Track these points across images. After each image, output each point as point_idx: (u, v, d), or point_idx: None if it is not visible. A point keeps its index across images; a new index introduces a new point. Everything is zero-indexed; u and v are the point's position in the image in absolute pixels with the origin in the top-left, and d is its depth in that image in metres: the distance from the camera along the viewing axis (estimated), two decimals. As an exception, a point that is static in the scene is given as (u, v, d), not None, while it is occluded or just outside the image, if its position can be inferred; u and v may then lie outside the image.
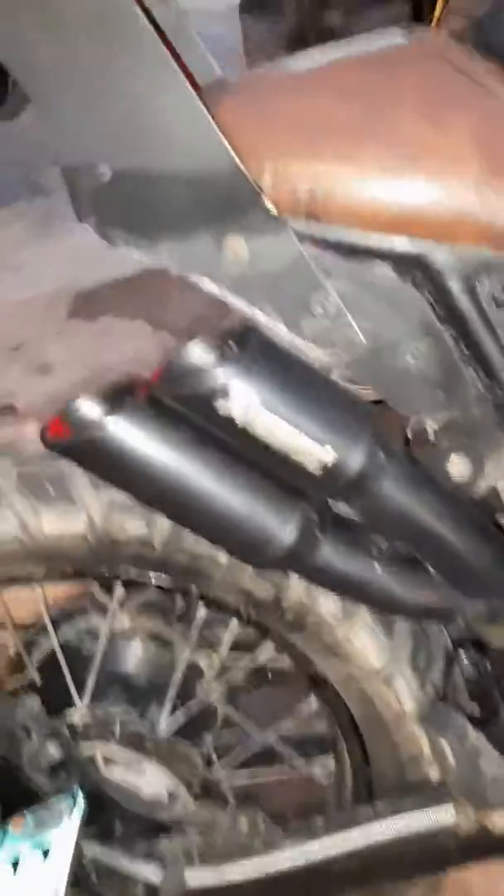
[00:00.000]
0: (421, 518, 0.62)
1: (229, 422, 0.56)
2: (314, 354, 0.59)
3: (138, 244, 0.56)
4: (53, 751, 0.83)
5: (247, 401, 0.55)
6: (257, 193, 0.54)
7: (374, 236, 0.55)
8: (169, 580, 0.80)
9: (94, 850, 0.76)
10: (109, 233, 0.56)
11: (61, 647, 0.94)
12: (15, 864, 0.71)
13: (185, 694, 0.95)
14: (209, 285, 0.57)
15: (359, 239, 0.55)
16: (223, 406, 0.56)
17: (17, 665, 1.01)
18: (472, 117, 0.54)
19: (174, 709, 0.92)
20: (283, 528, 0.60)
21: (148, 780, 0.89)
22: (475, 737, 0.67)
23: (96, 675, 0.92)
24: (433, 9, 2.03)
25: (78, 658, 0.97)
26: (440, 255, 0.55)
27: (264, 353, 0.56)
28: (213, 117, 0.52)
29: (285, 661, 0.90)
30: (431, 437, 0.64)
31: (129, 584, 0.88)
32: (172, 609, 0.99)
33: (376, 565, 0.63)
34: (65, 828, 0.71)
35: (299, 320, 0.57)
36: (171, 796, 0.89)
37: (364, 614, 0.75)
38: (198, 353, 0.58)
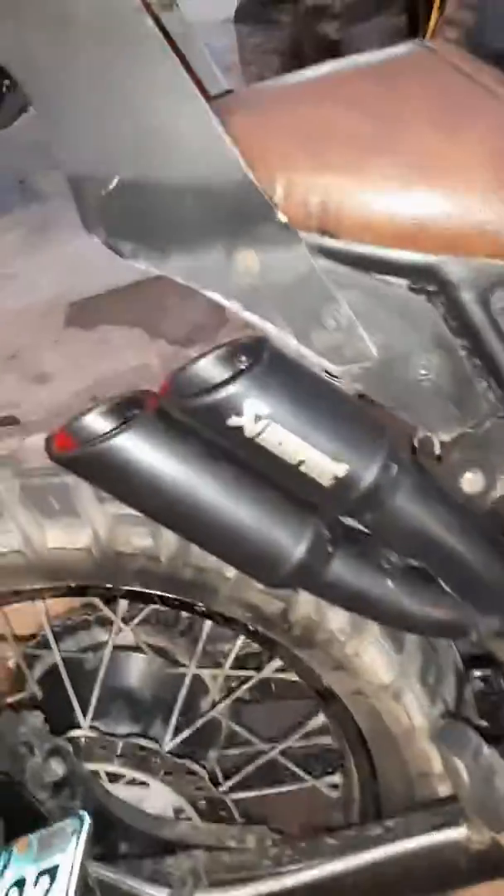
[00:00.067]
0: (433, 532, 0.61)
1: (240, 435, 0.56)
2: (326, 367, 0.58)
3: (147, 256, 0.55)
4: (56, 768, 0.82)
5: (258, 414, 0.55)
6: (269, 205, 0.53)
7: (387, 249, 0.54)
8: (173, 594, 0.79)
9: (99, 871, 0.74)
10: (117, 244, 0.55)
11: (62, 661, 0.93)
12: (21, 886, 0.69)
13: (189, 709, 0.94)
14: (219, 298, 0.56)
15: (371, 251, 0.55)
16: (234, 419, 0.55)
17: (17, 679, 1.00)
18: (485, 127, 0.54)
19: (179, 725, 0.91)
20: (294, 544, 0.59)
21: (153, 798, 0.88)
22: (489, 754, 0.66)
23: (99, 691, 0.91)
24: (428, 19, 2.03)
25: (79, 672, 0.96)
26: (453, 268, 0.55)
27: (276, 366, 0.55)
28: (223, 127, 0.52)
29: (291, 675, 0.89)
30: (437, 449, 0.63)
31: (132, 598, 0.87)
32: (176, 623, 0.98)
33: (388, 581, 0.62)
34: (71, 851, 0.69)
35: (310, 333, 0.57)
36: (177, 814, 0.88)
37: (373, 629, 0.74)
38: (208, 366, 0.57)
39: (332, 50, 2.09)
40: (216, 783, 0.93)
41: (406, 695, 0.78)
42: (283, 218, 0.54)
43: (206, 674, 0.96)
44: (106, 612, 0.94)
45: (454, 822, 0.75)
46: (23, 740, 0.82)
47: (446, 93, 0.55)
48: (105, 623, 0.98)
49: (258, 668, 0.97)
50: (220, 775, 0.96)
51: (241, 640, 0.89)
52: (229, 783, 0.93)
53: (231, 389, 0.54)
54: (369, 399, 0.60)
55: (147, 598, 0.82)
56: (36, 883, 0.69)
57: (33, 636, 1.02)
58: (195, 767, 0.90)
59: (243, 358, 0.57)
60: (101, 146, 0.52)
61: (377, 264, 0.55)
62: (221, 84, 0.63)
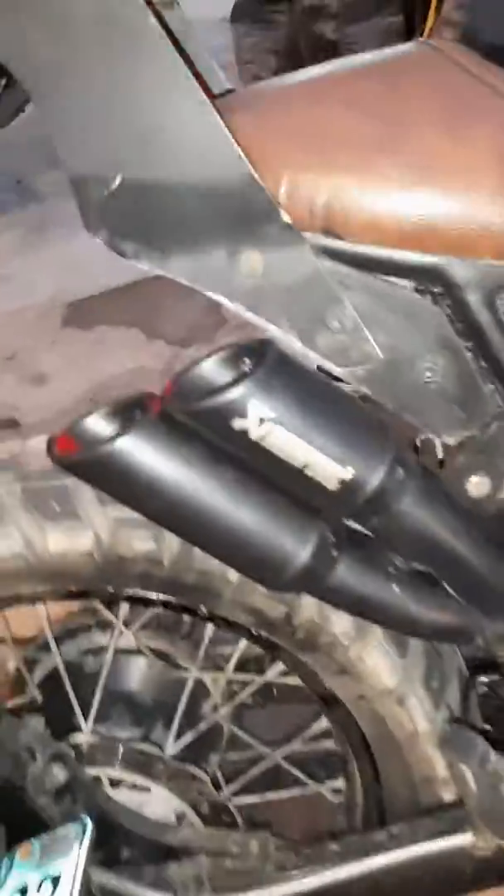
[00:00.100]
0: (439, 536, 0.61)
1: (244, 438, 0.55)
2: (330, 369, 0.57)
3: (150, 256, 0.55)
4: (58, 773, 0.81)
5: (263, 417, 0.54)
6: (273, 206, 0.53)
7: (392, 250, 0.54)
8: (176, 598, 0.78)
9: (101, 877, 0.74)
10: (120, 245, 0.54)
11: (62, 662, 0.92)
12: (23, 893, 0.68)
13: (190, 713, 0.93)
14: (222, 299, 0.55)
15: (376, 252, 0.54)
16: (238, 422, 0.54)
17: (17, 683, 1.00)
18: (492, 127, 0.53)
19: (181, 729, 0.90)
20: (299, 548, 0.59)
21: (155, 803, 0.88)
22: (496, 761, 0.66)
23: (100, 695, 0.90)
24: (425, 20, 2.03)
25: (80, 676, 0.95)
26: (459, 269, 0.54)
27: (281, 368, 0.55)
28: (227, 127, 0.51)
29: (294, 679, 0.88)
30: (440, 452, 0.63)
31: (133, 601, 0.86)
32: (178, 626, 0.97)
33: (393, 585, 0.61)
34: (74, 857, 0.69)
35: (315, 335, 0.56)
36: (179, 819, 0.88)
37: (377, 633, 0.74)
38: (212, 368, 0.56)
39: (329, 50, 2.08)
40: (218, 788, 0.93)
41: (410, 699, 0.77)
42: (287, 218, 0.53)
43: (207, 677, 0.95)
44: (107, 615, 0.93)
45: (459, 829, 0.74)
46: (24, 745, 0.81)
47: (452, 92, 0.54)
48: (105, 626, 0.97)
49: (260, 672, 0.96)
50: (221, 780, 0.95)
51: (243, 643, 0.89)
52: (232, 788, 0.92)
53: (235, 392, 0.54)
54: (373, 401, 0.59)
55: (149, 602, 0.81)
56: (39, 889, 0.69)
57: (33, 639, 1.01)
58: (198, 772, 0.89)
59: (247, 360, 0.57)
60: (104, 146, 0.51)
61: (382, 265, 0.54)
62: (223, 83, 0.62)
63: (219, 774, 0.95)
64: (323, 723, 0.90)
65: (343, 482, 0.56)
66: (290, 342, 0.56)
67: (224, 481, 0.57)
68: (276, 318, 0.56)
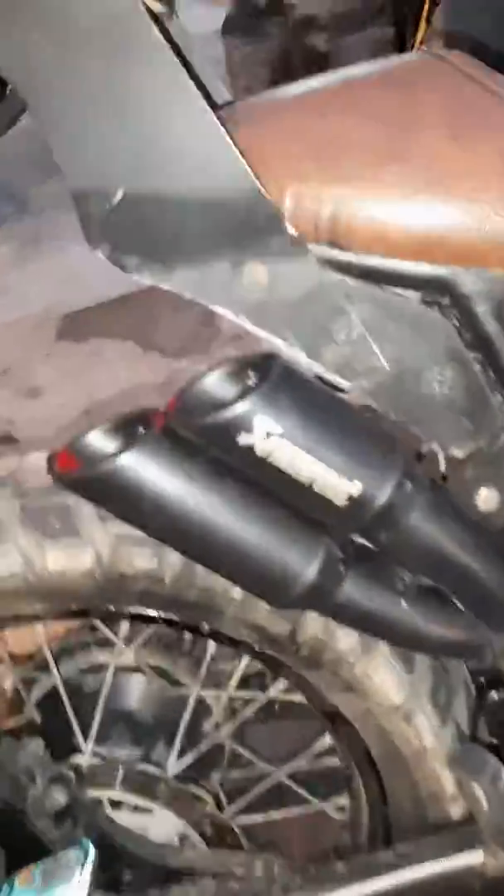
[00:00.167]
0: (449, 551, 0.60)
1: (250, 454, 0.54)
2: (336, 382, 0.56)
3: (152, 270, 0.54)
4: (58, 796, 0.79)
5: (269, 432, 0.53)
6: (278, 217, 0.52)
7: (399, 261, 0.53)
8: (177, 615, 0.77)
9: (103, 902, 0.72)
10: (122, 259, 0.53)
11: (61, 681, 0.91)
12: (23, 923, 0.67)
13: (192, 731, 0.92)
14: (226, 312, 0.54)
15: (382, 264, 0.53)
16: (244, 438, 0.53)
17: (15, 702, 0.98)
18: (500, 136, 0.53)
19: (182, 748, 0.88)
20: (305, 565, 0.58)
21: (157, 825, 0.86)
22: (508, 777, 0.64)
23: (101, 715, 0.89)
24: (416, 31, 2.04)
25: (79, 695, 0.94)
26: (467, 280, 0.53)
27: (286, 382, 0.54)
28: (231, 138, 0.50)
29: (297, 696, 0.87)
30: (442, 465, 0.62)
31: (134, 619, 0.85)
32: (179, 643, 0.96)
33: (402, 601, 0.60)
34: (76, 883, 0.67)
35: (321, 348, 0.55)
36: (182, 841, 0.86)
37: (383, 649, 0.73)
38: (216, 383, 0.55)
39: (321, 62, 2.09)
40: (221, 807, 0.91)
41: (417, 715, 0.76)
42: (292, 230, 0.52)
43: (209, 695, 0.94)
44: (106, 633, 0.92)
45: (470, 847, 0.73)
46: (23, 768, 0.80)
47: (459, 101, 0.54)
48: (104, 644, 0.96)
49: (261, 688, 0.95)
50: (224, 799, 0.94)
51: (245, 660, 0.87)
52: (235, 807, 0.90)
53: (240, 407, 0.53)
54: (379, 413, 0.58)
55: (149, 619, 0.80)
56: (39, 918, 0.67)
57: (30, 656, 0.99)
58: (200, 792, 0.88)
59: (251, 374, 0.56)
60: (106, 158, 0.50)
61: (389, 277, 0.54)
62: (224, 95, 0.62)
63: (221, 793, 0.94)
64: (326, 739, 0.89)
65: (351, 497, 0.55)
66: (295, 355, 0.56)
67: (229, 498, 0.56)
68: (281, 331, 0.55)
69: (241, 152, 0.50)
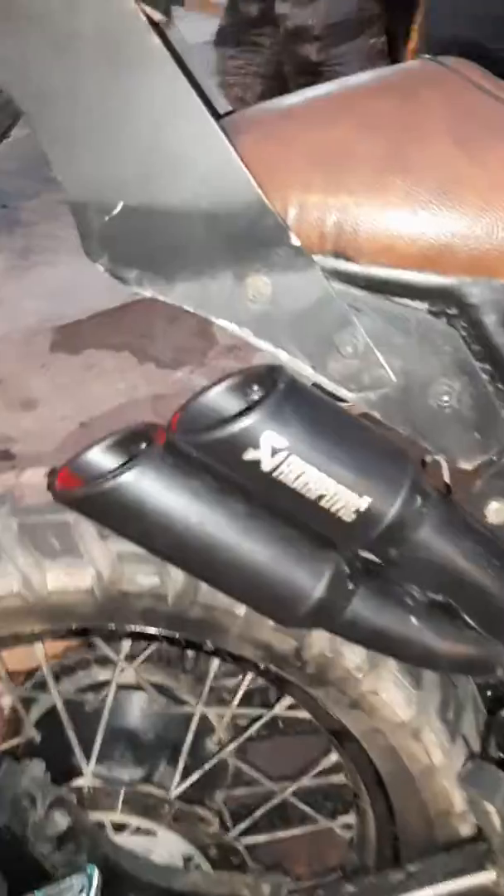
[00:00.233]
0: (459, 565, 0.58)
1: (255, 470, 0.53)
2: (342, 395, 0.55)
3: (153, 283, 0.53)
4: (60, 820, 0.77)
5: (275, 447, 0.52)
6: (282, 228, 0.51)
7: (405, 271, 0.52)
8: (180, 633, 0.75)
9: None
10: (122, 272, 0.52)
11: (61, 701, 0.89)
12: None
13: (195, 750, 0.90)
14: (230, 325, 0.53)
15: (389, 274, 0.52)
16: (249, 453, 0.52)
17: (13, 722, 0.96)
18: (506, 144, 0.52)
19: (186, 767, 0.87)
20: (313, 583, 0.56)
21: (161, 847, 0.84)
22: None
23: (102, 735, 0.87)
24: (407, 41, 2.04)
25: (79, 714, 0.92)
26: (475, 290, 0.52)
27: (292, 395, 0.52)
28: (234, 148, 0.49)
29: (302, 713, 0.85)
30: (446, 475, 0.61)
31: (135, 637, 0.83)
32: (181, 660, 0.94)
33: (411, 617, 0.59)
34: (80, 911, 0.65)
35: (326, 360, 0.54)
36: (187, 863, 0.84)
37: (391, 665, 0.71)
38: (220, 397, 0.54)
39: (313, 72, 2.09)
40: (225, 827, 0.89)
41: (425, 732, 0.74)
42: (296, 241, 0.51)
43: (212, 712, 0.92)
44: (107, 651, 0.90)
45: (480, 866, 0.71)
46: (24, 792, 0.78)
47: (464, 109, 0.53)
48: (105, 662, 0.94)
49: (265, 704, 0.93)
50: (228, 819, 0.92)
51: (248, 676, 0.86)
52: (240, 827, 0.89)
53: (246, 422, 0.51)
54: (386, 426, 0.57)
55: (151, 637, 0.78)
56: None
57: (29, 673, 0.98)
58: (204, 812, 0.86)
59: (255, 388, 0.55)
60: (105, 170, 0.49)
61: (395, 287, 0.53)
62: (224, 105, 0.61)
63: (225, 813, 0.92)
64: (332, 757, 0.88)
65: (359, 513, 0.54)
66: (300, 368, 0.54)
67: (234, 515, 0.55)
68: (286, 344, 0.54)
69: (244, 162, 0.49)
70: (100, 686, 0.94)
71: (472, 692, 0.77)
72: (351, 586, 0.58)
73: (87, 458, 0.57)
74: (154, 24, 0.47)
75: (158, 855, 0.84)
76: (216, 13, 2.26)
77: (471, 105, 0.53)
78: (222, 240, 0.51)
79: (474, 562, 0.58)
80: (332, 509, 0.53)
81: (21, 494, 0.72)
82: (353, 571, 0.58)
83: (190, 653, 0.94)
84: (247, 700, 0.92)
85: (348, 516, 0.54)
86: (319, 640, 0.70)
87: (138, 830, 0.85)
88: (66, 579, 0.70)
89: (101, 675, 0.94)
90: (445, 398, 0.55)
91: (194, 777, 0.86)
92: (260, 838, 0.91)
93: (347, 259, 0.52)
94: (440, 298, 0.53)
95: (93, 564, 0.69)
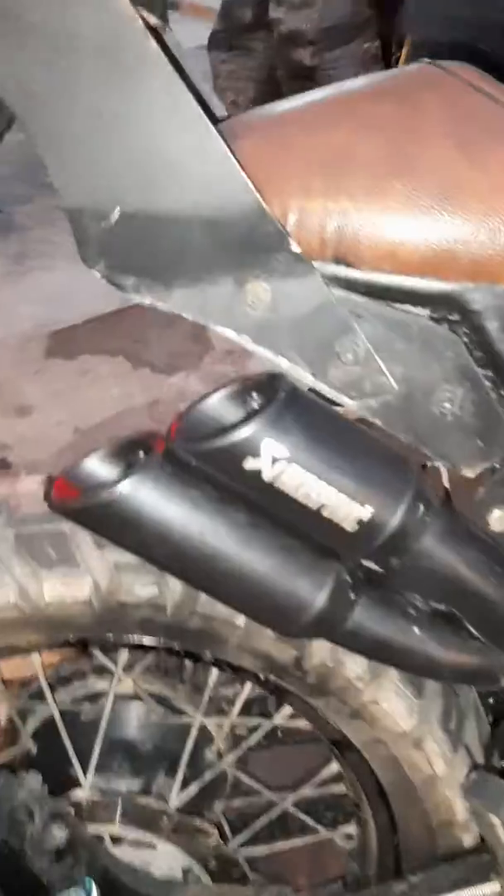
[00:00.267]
0: (462, 574, 0.58)
1: (256, 479, 0.52)
2: (342, 402, 0.55)
3: (151, 290, 0.52)
4: (58, 833, 0.76)
5: (276, 456, 0.51)
6: (282, 234, 0.50)
7: (407, 277, 0.51)
8: (179, 643, 0.74)
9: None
10: (119, 279, 0.51)
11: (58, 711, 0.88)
12: None
13: (193, 760, 0.89)
14: (229, 332, 0.52)
15: (390, 280, 0.52)
16: (250, 462, 0.51)
17: (9, 732, 0.95)
18: (508, 148, 0.51)
19: (185, 779, 0.86)
20: (314, 593, 0.55)
21: (160, 859, 0.83)
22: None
23: (100, 746, 0.86)
24: (401, 45, 2.04)
25: (76, 724, 0.91)
26: (477, 296, 0.52)
27: (293, 403, 0.52)
28: (232, 153, 0.48)
29: (302, 722, 0.84)
30: (446, 480, 0.60)
31: (133, 647, 0.82)
32: (179, 669, 0.93)
33: (414, 627, 0.58)
34: (79, 928, 0.64)
35: (326, 367, 0.53)
36: (186, 875, 0.83)
37: (392, 674, 0.71)
38: (219, 405, 0.53)
39: (307, 76, 2.09)
40: (225, 839, 0.88)
41: (427, 742, 0.74)
42: (296, 247, 0.51)
43: (211, 722, 0.91)
44: (105, 661, 0.89)
45: (484, 877, 0.70)
46: (21, 805, 0.77)
47: (466, 113, 0.52)
48: (102, 671, 0.93)
49: (263, 713, 0.92)
50: (227, 829, 0.91)
51: (248, 686, 0.85)
52: (240, 839, 0.88)
53: (246, 430, 0.50)
54: (388, 434, 0.56)
55: (149, 647, 0.77)
56: None
57: (25, 682, 0.97)
58: (203, 824, 0.85)
59: (255, 395, 0.54)
60: (102, 176, 0.49)
61: (397, 293, 0.52)
62: (222, 111, 0.60)
63: (224, 824, 0.91)
64: (333, 766, 0.87)
65: (361, 522, 0.53)
66: (300, 375, 0.54)
67: (235, 525, 0.54)
68: (286, 351, 0.53)
69: (243, 167, 0.48)
70: (97, 696, 0.93)
71: (474, 700, 0.76)
72: (353, 596, 0.57)
73: (84, 467, 0.56)
74: (151, 29, 0.46)
75: (157, 868, 0.83)
76: (209, 18, 2.25)
77: (471, 108, 0.52)
78: (221, 246, 0.50)
79: (478, 570, 0.58)
80: (334, 519, 0.53)
81: (17, 503, 0.71)
82: (355, 581, 0.57)
83: (188, 662, 0.93)
84: (246, 709, 0.91)
85: (350, 526, 0.53)
86: (320, 650, 0.69)
87: (137, 843, 0.83)
88: (63, 590, 0.69)
89: (98, 685, 0.93)
90: (447, 405, 0.55)
91: (193, 789, 0.85)
92: (260, 850, 0.90)
93: (348, 265, 0.51)
94: (442, 304, 0.52)
95: (90, 575, 0.68)
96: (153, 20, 0.48)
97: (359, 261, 0.51)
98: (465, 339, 0.53)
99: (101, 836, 0.82)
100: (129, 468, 0.54)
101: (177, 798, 0.85)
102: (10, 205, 2.49)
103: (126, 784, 0.88)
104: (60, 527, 0.68)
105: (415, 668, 0.63)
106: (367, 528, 0.53)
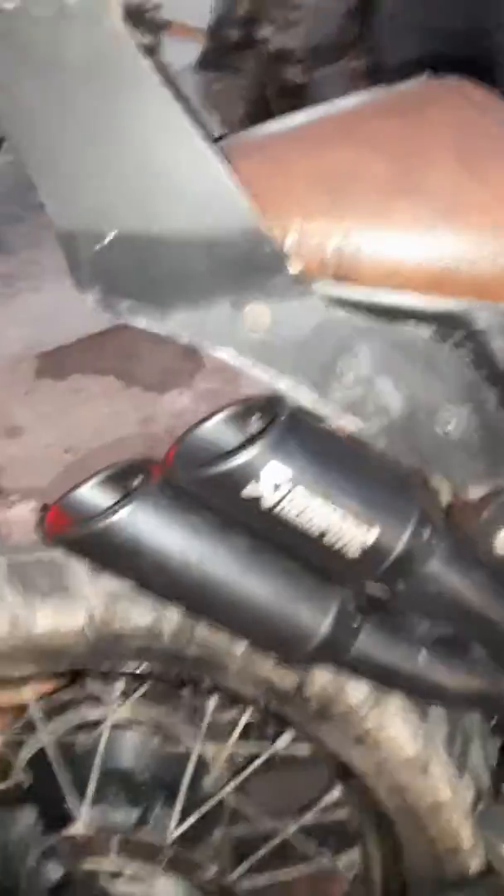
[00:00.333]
0: (468, 597, 0.56)
1: (256, 506, 0.50)
2: (345, 424, 0.53)
3: (147, 314, 0.50)
4: (54, 871, 0.74)
5: (277, 482, 0.50)
6: (281, 255, 0.49)
7: (409, 296, 0.50)
8: (177, 671, 0.73)
9: None
10: (114, 303, 0.50)
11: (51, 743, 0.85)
12: None
13: (191, 788, 0.87)
14: (227, 355, 0.51)
15: (392, 299, 0.50)
16: (250, 489, 0.50)
17: (1, 764, 0.93)
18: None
19: (184, 809, 0.84)
20: (318, 620, 0.54)
21: (159, 893, 0.81)
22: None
23: (95, 777, 0.84)
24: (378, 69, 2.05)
25: (70, 755, 0.89)
26: (482, 314, 0.51)
27: (295, 427, 0.50)
28: (230, 172, 0.47)
29: (303, 748, 0.83)
30: (445, 498, 0.59)
31: (129, 676, 0.81)
32: (177, 696, 0.91)
33: (420, 652, 0.57)
34: None
35: (328, 388, 0.52)
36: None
37: (396, 699, 0.69)
38: (217, 429, 0.52)
39: (296, 94, 2.10)
40: (224, 869, 0.86)
41: (433, 767, 0.72)
42: (295, 268, 0.49)
43: (209, 750, 0.89)
44: (99, 690, 0.87)
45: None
46: (15, 841, 0.74)
47: (469, 129, 0.52)
48: (96, 699, 0.91)
49: (262, 737, 0.90)
50: (226, 858, 0.89)
51: (248, 712, 0.83)
52: (240, 870, 0.86)
53: (246, 456, 0.49)
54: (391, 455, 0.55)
55: (146, 676, 0.75)
56: None
57: (18, 708, 0.94)
58: (203, 857, 0.83)
59: (255, 419, 0.53)
60: (96, 197, 0.47)
61: (399, 312, 0.51)
62: (214, 129, 0.59)
63: (224, 853, 0.89)
64: (335, 792, 0.85)
65: (366, 548, 0.52)
66: (301, 397, 0.52)
67: (235, 551, 0.53)
68: (286, 373, 0.52)
69: (241, 187, 0.47)
70: (91, 725, 0.91)
71: (479, 723, 0.75)
72: (357, 622, 0.56)
73: (78, 495, 0.54)
74: (145, 47, 0.45)
75: (157, 902, 0.80)
76: (197, 38, 2.26)
77: (475, 124, 0.52)
78: (219, 268, 0.49)
79: (485, 593, 0.56)
80: (338, 545, 0.51)
81: (9, 531, 0.70)
82: (359, 606, 0.56)
83: (187, 688, 0.91)
84: (244, 733, 0.89)
85: (354, 551, 0.52)
86: (322, 676, 0.68)
87: (135, 877, 0.81)
88: (56, 619, 0.67)
89: (93, 713, 0.91)
90: (452, 425, 0.54)
91: (191, 820, 0.83)
92: (261, 880, 0.87)
93: (349, 284, 0.50)
94: (446, 323, 0.51)
95: (84, 604, 0.66)
96: (148, 40, 0.47)
97: (360, 279, 0.50)
98: (470, 358, 0.52)
99: (97, 871, 0.80)
100: (125, 496, 0.52)
101: (175, 829, 0.83)
102: (-1, 225, 2.48)
103: (122, 815, 0.86)
104: (53, 554, 0.67)
105: (421, 693, 0.61)
106: (372, 553, 0.52)
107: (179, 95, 0.46)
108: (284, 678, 0.69)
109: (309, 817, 0.86)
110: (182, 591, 0.54)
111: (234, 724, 0.87)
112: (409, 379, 0.52)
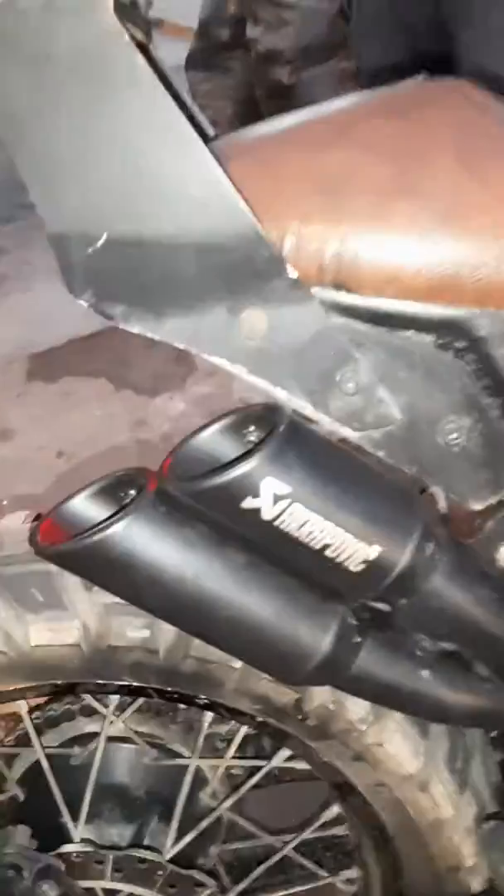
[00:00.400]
0: (471, 613, 0.55)
1: (255, 519, 0.49)
2: (344, 434, 0.52)
3: (141, 319, 0.49)
4: (49, 891, 0.72)
5: (277, 494, 0.48)
6: (278, 260, 0.47)
7: (410, 303, 0.49)
8: (173, 687, 0.71)
9: None
10: (107, 308, 0.48)
11: (45, 757, 0.83)
12: None
13: (187, 804, 0.85)
14: (223, 362, 0.50)
15: (392, 306, 0.49)
16: (248, 502, 0.48)
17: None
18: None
19: (180, 826, 0.82)
20: (318, 638, 0.52)
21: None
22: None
23: (90, 793, 0.82)
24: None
25: (64, 768, 0.87)
26: (484, 322, 0.49)
27: (294, 438, 0.49)
28: (225, 174, 0.46)
29: (301, 763, 0.81)
30: (442, 505, 0.57)
31: (124, 690, 0.79)
32: (172, 710, 0.89)
33: (422, 670, 0.55)
34: None
35: (327, 398, 0.50)
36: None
37: (396, 715, 0.68)
38: (214, 440, 0.50)
39: (285, 95, 2.08)
40: (222, 887, 0.84)
41: (433, 784, 0.71)
42: (293, 274, 0.48)
43: (205, 765, 0.87)
44: (94, 704, 0.85)
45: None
46: (9, 861, 0.72)
47: (470, 130, 0.50)
48: (90, 713, 0.89)
49: (259, 752, 0.89)
50: (224, 876, 0.87)
51: (244, 728, 0.81)
52: (238, 888, 0.84)
53: (245, 467, 0.47)
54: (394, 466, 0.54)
55: (141, 691, 0.73)
56: None
57: (12, 717, 0.92)
58: (201, 876, 0.81)
59: (253, 428, 0.51)
60: (89, 199, 0.46)
61: (400, 320, 0.49)
62: (207, 129, 0.57)
63: (221, 870, 0.87)
64: (334, 809, 0.83)
65: (368, 562, 0.50)
66: (299, 406, 0.51)
67: (233, 567, 0.51)
68: (284, 381, 0.50)
69: (237, 190, 0.46)
70: (85, 738, 0.89)
71: (480, 739, 0.73)
72: (358, 639, 0.54)
73: (71, 507, 0.52)
74: (138, 45, 0.43)
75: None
76: (186, 37, 2.25)
77: (476, 125, 0.50)
78: (215, 273, 0.47)
79: (488, 608, 0.55)
80: (339, 559, 0.50)
81: (1, 541, 0.68)
82: (361, 622, 0.54)
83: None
84: (241, 747, 0.87)
85: (356, 566, 0.50)
86: (321, 693, 0.66)
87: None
88: (50, 634, 0.65)
89: (88, 727, 0.89)
90: (454, 435, 0.52)
91: (188, 838, 0.81)
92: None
93: (348, 291, 0.48)
94: (447, 331, 0.50)
95: (78, 618, 0.65)
96: (140, 36, 0.45)
97: (359, 286, 0.48)
98: (472, 367, 0.51)
99: (93, 890, 0.78)
100: (119, 509, 0.51)
101: (171, 848, 0.81)
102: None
103: (118, 832, 0.84)
104: (47, 567, 0.65)
105: (423, 712, 0.60)
106: (374, 569, 0.50)
107: (174, 94, 0.45)
108: (282, 694, 0.67)
109: (308, 834, 0.85)
110: (177, 608, 0.52)
111: (231, 738, 0.85)
112: (410, 388, 0.51)
